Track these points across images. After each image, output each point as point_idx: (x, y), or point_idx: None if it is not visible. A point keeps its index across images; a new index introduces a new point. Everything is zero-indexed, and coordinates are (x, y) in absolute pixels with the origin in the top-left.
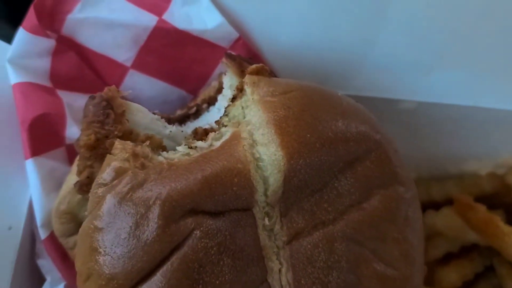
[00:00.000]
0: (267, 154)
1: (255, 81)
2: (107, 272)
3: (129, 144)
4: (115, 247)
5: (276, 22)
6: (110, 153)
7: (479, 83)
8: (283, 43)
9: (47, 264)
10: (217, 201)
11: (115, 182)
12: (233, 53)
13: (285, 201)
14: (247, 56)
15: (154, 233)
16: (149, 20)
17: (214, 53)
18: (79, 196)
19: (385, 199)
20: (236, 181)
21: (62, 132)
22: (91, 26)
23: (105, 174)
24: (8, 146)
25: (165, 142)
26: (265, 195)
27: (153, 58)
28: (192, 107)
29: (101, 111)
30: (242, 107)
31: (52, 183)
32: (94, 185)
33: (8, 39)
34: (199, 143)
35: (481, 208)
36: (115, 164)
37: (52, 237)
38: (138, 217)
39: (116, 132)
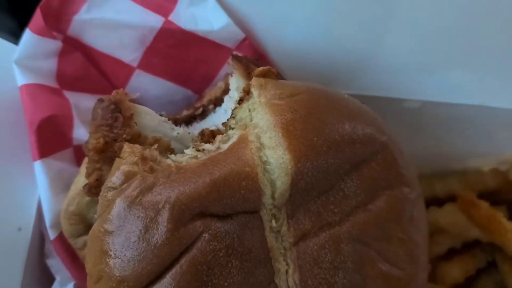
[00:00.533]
0: (275, 157)
1: (262, 84)
2: (117, 274)
3: (137, 147)
4: (125, 250)
5: (282, 23)
6: (119, 157)
7: (484, 83)
8: (289, 43)
9: (56, 264)
10: (225, 204)
11: (124, 185)
12: (239, 54)
13: (292, 203)
14: (253, 57)
15: (164, 236)
16: (155, 21)
17: (220, 54)
18: (88, 198)
19: (391, 200)
20: (244, 184)
21: (70, 133)
22: (97, 27)
23: (115, 177)
24: (17, 148)
25: (173, 144)
26: (272, 197)
27: (159, 58)
28: (198, 107)
29: (110, 115)
30: (249, 110)
31: (61, 184)
32: (103, 188)
33: (10, 33)
34: (207, 146)
35: (484, 205)
36: (124, 168)
37: (61, 238)
38: (147, 220)
39: (124, 136)
